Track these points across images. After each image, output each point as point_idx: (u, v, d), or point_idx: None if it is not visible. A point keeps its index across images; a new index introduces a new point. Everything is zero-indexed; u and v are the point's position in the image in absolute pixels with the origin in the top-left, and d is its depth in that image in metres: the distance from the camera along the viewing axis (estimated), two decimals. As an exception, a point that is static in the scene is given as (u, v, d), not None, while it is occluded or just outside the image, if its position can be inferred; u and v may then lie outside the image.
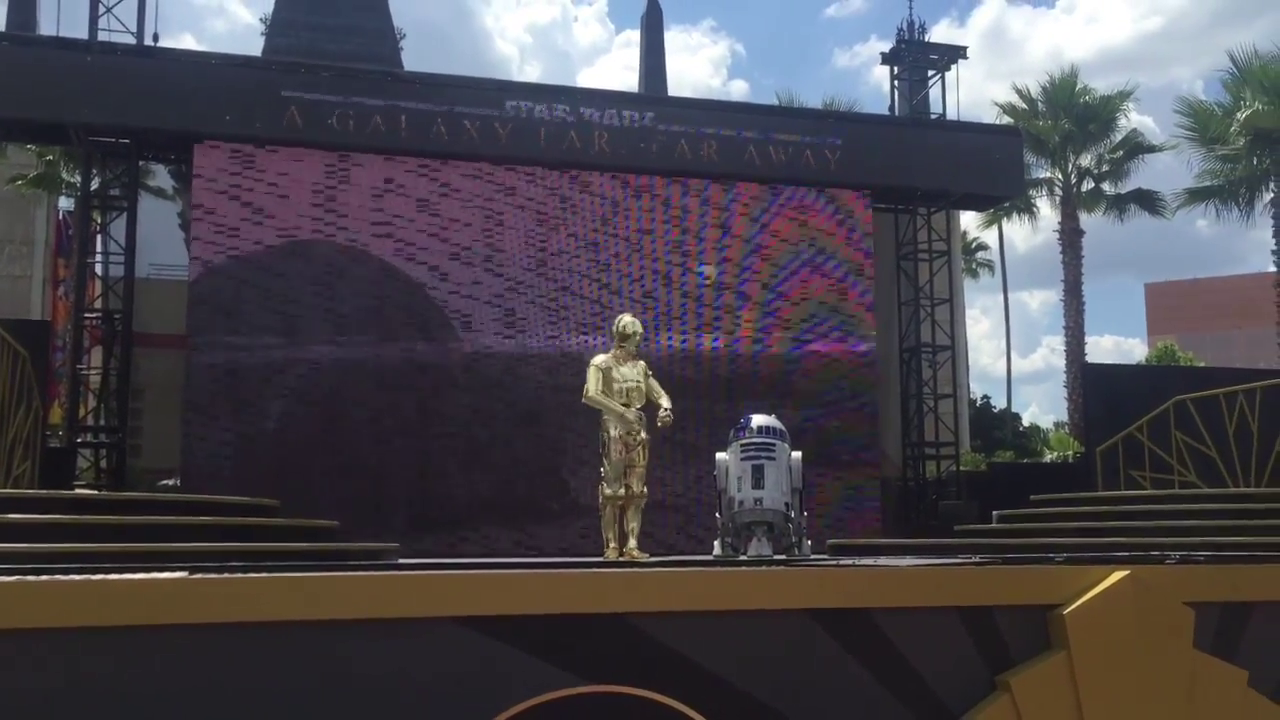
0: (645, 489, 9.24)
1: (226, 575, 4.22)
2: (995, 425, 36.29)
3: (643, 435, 9.20)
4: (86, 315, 20.32)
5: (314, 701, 4.01)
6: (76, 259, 20.79)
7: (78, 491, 16.61)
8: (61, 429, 19.88)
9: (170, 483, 19.24)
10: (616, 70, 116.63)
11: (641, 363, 9.45)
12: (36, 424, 14.04)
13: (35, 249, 27.40)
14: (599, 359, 9.43)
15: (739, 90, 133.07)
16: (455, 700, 4.13)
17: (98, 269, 20.90)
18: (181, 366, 19.07)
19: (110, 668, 3.84)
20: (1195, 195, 27.97)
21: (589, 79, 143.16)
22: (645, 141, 21.17)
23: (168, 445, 19.28)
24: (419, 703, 4.10)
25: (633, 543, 9.06)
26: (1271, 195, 27.08)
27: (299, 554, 9.81)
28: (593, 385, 9.26)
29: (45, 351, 17.58)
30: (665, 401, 9.25)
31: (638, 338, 9.41)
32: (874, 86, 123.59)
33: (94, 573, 4.07)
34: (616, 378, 9.22)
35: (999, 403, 40.76)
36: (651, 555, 9.14)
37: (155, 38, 19.90)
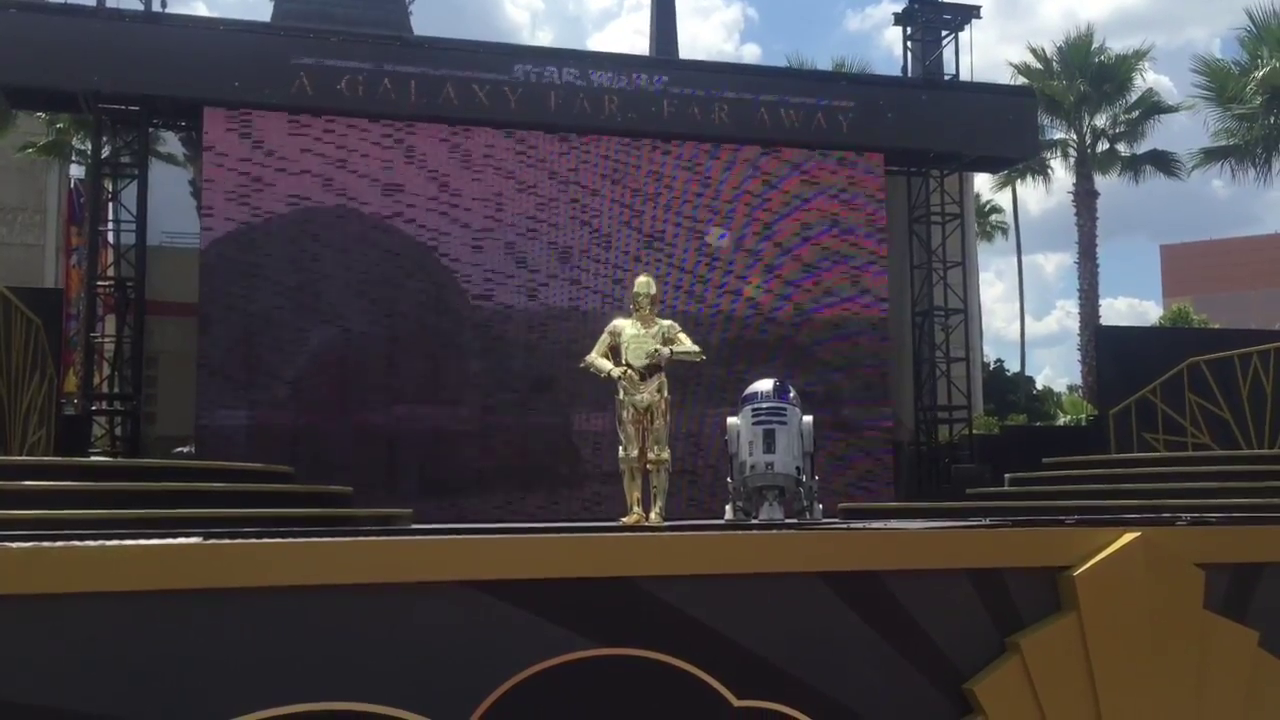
0: (665, 453, 9.01)
1: (241, 541, 4.25)
2: (1008, 388, 36.31)
3: (659, 398, 9.00)
4: (99, 283, 20.37)
5: (327, 667, 4.04)
6: (89, 227, 20.82)
7: (93, 458, 16.72)
8: (76, 397, 19.99)
9: (185, 450, 19.36)
10: (627, 35, 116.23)
11: (664, 323, 9.26)
12: (51, 391, 14.12)
13: (47, 217, 27.50)
14: (613, 322, 9.33)
15: (751, 54, 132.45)
16: (467, 664, 4.16)
17: (110, 237, 20.90)
18: (194, 334, 19.13)
19: (124, 634, 3.88)
20: (1211, 155, 27.77)
21: (600, 44, 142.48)
22: (656, 105, 21.05)
23: (182, 412, 19.38)
24: (432, 667, 4.13)
25: (655, 509, 8.88)
26: (1288, 154, 26.87)
27: (313, 520, 9.86)
28: (594, 349, 9.22)
29: (59, 320, 17.69)
30: (674, 347, 9.09)
31: (640, 297, 9.19)
32: (886, 49, 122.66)
33: (109, 539, 4.10)
34: (625, 341, 9.10)
35: (1012, 366, 40.84)
36: (665, 519, 9.11)
37: (164, 3, 19.86)
